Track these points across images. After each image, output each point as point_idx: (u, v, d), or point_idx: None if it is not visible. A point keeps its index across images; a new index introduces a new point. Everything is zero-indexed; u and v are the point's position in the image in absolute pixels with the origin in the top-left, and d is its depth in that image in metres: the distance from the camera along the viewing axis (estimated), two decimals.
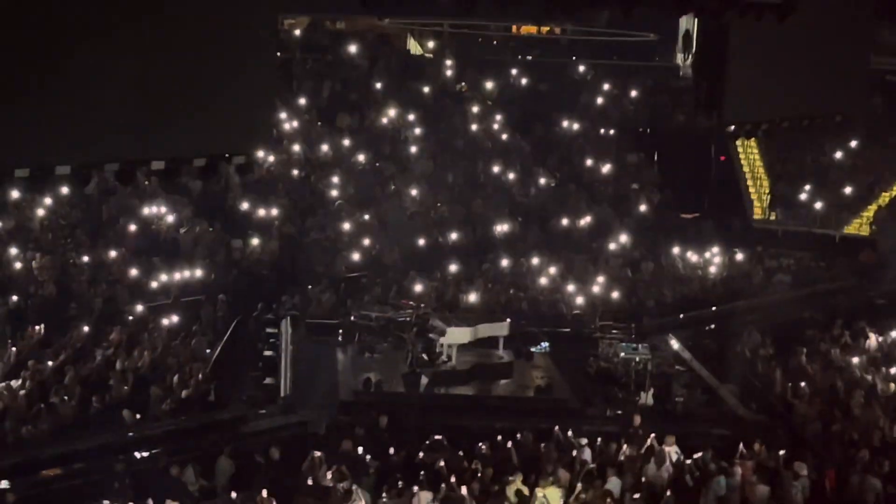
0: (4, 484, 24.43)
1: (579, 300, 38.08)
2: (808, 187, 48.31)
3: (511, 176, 47.06)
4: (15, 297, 33.54)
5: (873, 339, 35.68)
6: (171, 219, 39.58)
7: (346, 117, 48.55)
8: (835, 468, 26.26)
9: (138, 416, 28.44)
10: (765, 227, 48.16)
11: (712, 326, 38.28)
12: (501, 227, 43.45)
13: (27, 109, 17.70)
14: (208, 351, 32.66)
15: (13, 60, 17.47)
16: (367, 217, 42.31)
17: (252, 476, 25.28)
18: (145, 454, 26.70)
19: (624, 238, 43.87)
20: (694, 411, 31.39)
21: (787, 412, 30.88)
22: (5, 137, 17.74)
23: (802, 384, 32.02)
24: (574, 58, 55.99)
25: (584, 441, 27.25)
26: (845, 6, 27.65)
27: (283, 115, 45.55)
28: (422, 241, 41.47)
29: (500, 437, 27.26)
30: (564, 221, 44.77)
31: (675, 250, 43.40)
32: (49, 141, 18.21)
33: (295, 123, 47.11)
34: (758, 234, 47.31)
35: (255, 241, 39.36)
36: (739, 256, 44.01)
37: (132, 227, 38.63)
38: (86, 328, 32.38)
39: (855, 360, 33.68)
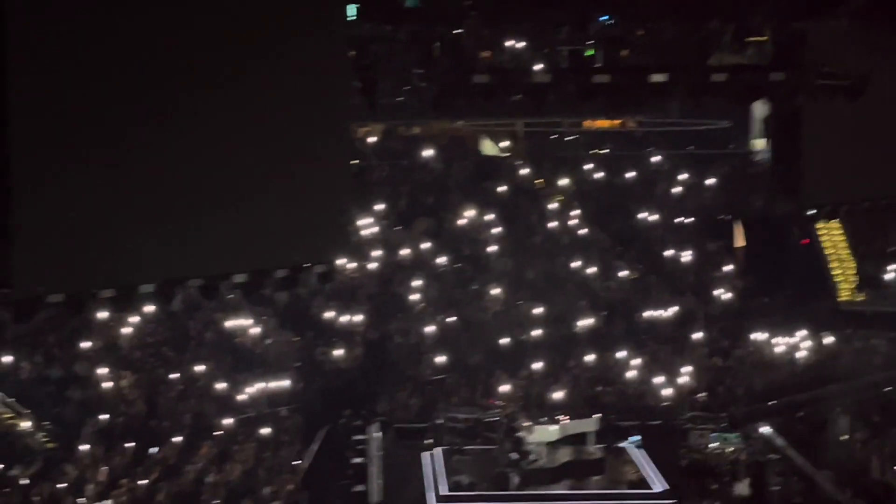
0: None
1: (667, 391, 37.71)
2: (894, 267, 47.66)
3: (591, 270, 46.91)
4: (105, 416, 33.76)
5: None
6: (256, 330, 39.77)
7: (424, 221, 48.75)
8: None
9: None
10: (852, 309, 47.52)
11: (805, 412, 37.67)
12: (584, 322, 43.24)
13: (109, 230, 17.99)
14: (298, 461, 32.62)
15: (94, 184, 17.78)
16: (449, 318, 42.29)
17: None
18: None
19: (709, 326, 43.48)
20: (791, 500, 30.87)
21: (887, 496, 30.26)
22: (89, 260, 18.02)
23: None
24: (649, 149, 55.95)
25: None
26: None
27: (361, 222, 45.82)
28: (505, 340, 41.33)
29: None
30: (648, 313, 44.48)
31: (763, 336, 42.91)
32: (132, 261, 18.46)
33: (374, 229, 47.37)
34: (846, 317, 46.67)
35: (339, 349, 39.42)
36: (828, 339, 43.42)
37: (218, 341, 38.85)
38: (176, 444, 32.50)
39: None
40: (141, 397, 35.06)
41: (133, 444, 32.39)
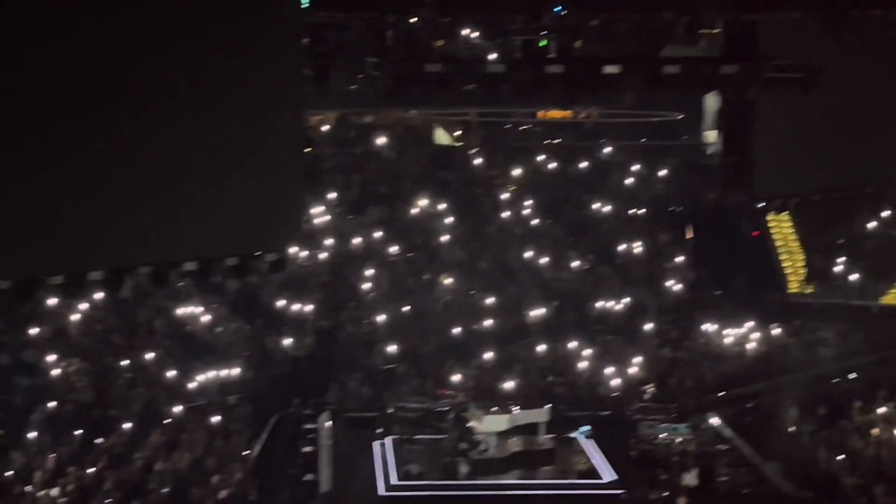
0: None
1: (618, 382, 37.82)
2: (842, 259, 48.00)
3: (544, 260, 46.98)
4: (53, 404, 33.50)
5: None
6: (206, 318, 39.58)
7: (376, 209, 48.68)
8: None
9: None
10: (801, 301, 47.81)
11: (753, 403, 37.87)
12: (536, 312, 43.28)
13: (58, 217, 17.85)
14: (248, 450, 32.48)
15: (43, 172, 17.64)
16: (401, 308, 42.22)
17: None
18: None
19: (659, 317, 43.67)
20: (739, 490, 31.07)
21: (833, 487, 30.50)
22: (38, 247, 17.88)
23: (847, 458, 31.67)
24: (601, 140, 56.05)
25: None
26: (871, 77, 27.64)
27: (313, 210, 45.69)
28: (457, 330, 41.31)
29: None
30: (599, 303, 44.60)
31: (712, 328, 43.12)
32: (81, 248, 18.33)
33: (326, 218, 47.26)
34: (795, 308, 46.97)
35: (290, 337, 39.29)
36: (777, 331, 43.68)
37: (168, 329, 38.66)
38: (125, 432, 32.32)
39: None
40: (90, 385, 34.82)
41: (81, 431, 32.16)
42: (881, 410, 35.17)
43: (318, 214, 46.74)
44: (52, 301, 35.09)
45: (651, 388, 37.26)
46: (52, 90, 17.60)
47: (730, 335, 42.84)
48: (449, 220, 48.57)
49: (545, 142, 56.43)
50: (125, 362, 36.46)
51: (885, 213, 49.20)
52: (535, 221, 49.87)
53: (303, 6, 22.06)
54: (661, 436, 32.54)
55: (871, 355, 42.82)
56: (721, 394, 38.47)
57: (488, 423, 32.37)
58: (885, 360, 42.29)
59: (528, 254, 47.09)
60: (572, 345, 40.64)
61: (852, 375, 40.61)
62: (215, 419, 33.66)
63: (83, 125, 17.95)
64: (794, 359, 41.69)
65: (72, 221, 18.00)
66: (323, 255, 45.14)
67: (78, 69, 17.89)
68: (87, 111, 17.99)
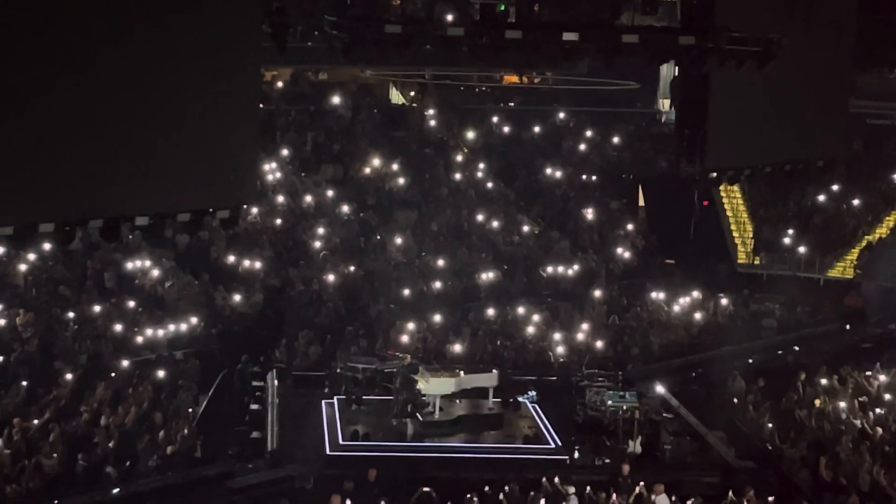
0: None
1: (565, 348, 37.97)
2: (791, 231, 48.44)
3: (495, 224, 47.06)
4: None
5: (859, 383, 35.68)
6: (155, 273, 39.42)
7: (329, 168, 48.59)
8: None
9: (124, 472, 28.28)
10: (749, 272, 48.24)
11: (699, 372, 38.16)
12: (486, 276, 43.38)
13: (9, 167, 17.67)
14: (191, 409, 32.37)
15: None
16: (351, 268, 42.20)
17: None
18: None
19: (609, 284, 43.87)
20: (683, 459, 31.33)
21: (776, 458, 30.83)
22: None
23: (790, 430, 32.00)
24: (555, 105, 56.14)
25: (573, 490, 27.24)
26: (825, 52, 27.74)
27: (266, 167, 45.53)
28: (407, 291, 41.33)
29: (488, 489, 27.24)
30: (549, 269, 44.75)
31: (661, 296, 43.36)
32: (32, 198, 18.16)
33: (279, 175, 47.13)
34: (742, 279, 47.38)
35: (239, 294, 39.20)
36: (724, 301, 44.01)
37: (117, 282, 38.48)
38: (71, 384, 32.18)
39: (842, 404, 33.63)
40: (36, 336, 34.61)
41: (27, 382, 31.99)
42: (824, 382, 35.50)
43: (271, 171, 46.62)
44: (1, 251, 34.89)
45: (599, 354, 37.39)
46: (4, 44, 17.39)
47: (678, 304, 43.12)
48: (401, 180, 48.59)
49: (500, 104, 56.54)
50: (72, 315, 36.27)
51: (835, 187, 49.67)
52: (487, 184, 49.97)
53: None
54: (607, 403, 32.66)
55: (816, 328, 43.29)
56: (667, 362, 38.71)
57: (436, 386, 32.41)
58: (829, 333, 42.76)
59: (480, 217, 47.16)
60: (521, 310, 40.74)
61: (796, 347, 41.01)
62: (162, 374, 33.53)
63: (35, 75, 17.74)
64: (741, 329, 42.03)
65: (23, 172, 17.82)
66: (275, 213, 45.04)
67: (29, 21, 17.68)
68: (41, 61, 17.79)
